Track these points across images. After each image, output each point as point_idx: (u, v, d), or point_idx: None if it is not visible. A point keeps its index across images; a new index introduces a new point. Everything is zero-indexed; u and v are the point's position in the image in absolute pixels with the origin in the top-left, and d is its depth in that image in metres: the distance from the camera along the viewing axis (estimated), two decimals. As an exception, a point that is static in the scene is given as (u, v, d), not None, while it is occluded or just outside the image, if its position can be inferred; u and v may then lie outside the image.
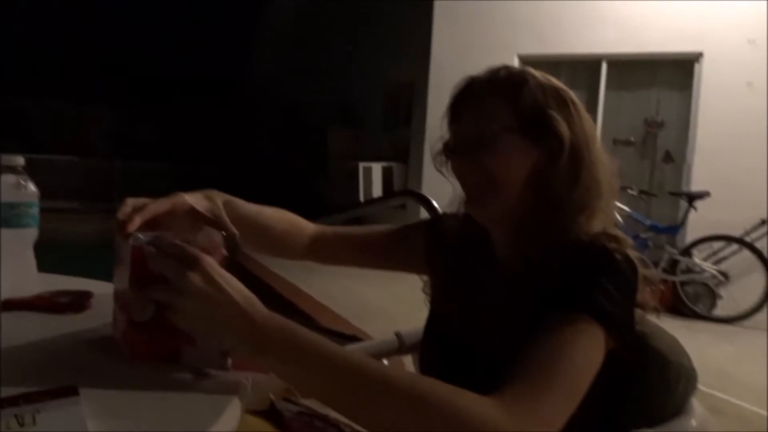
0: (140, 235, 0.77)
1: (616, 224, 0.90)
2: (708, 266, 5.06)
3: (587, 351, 0.73)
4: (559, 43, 6.46)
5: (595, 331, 0.74)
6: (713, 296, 4.99)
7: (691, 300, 5.00)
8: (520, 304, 0.82)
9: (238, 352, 0.71)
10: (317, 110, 10.82)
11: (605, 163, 0.90)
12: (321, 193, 9.41)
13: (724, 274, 5.00)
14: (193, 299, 0.67)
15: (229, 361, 0.74)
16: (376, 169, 6.78)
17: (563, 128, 0.86)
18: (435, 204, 2.69)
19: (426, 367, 1.07)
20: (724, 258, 5.09)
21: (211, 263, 0.69)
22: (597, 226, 0.85)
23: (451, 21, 6.78)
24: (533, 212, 0.86)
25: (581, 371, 0.72)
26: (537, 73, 0.90)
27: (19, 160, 0.98)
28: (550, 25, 6.50)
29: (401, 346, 1.33)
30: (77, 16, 16.79)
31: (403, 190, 4.60)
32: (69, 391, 0.63)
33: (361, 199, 6.63)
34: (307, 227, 1.16)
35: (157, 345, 0.76)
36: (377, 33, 8.65)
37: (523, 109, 0.86)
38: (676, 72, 6.32)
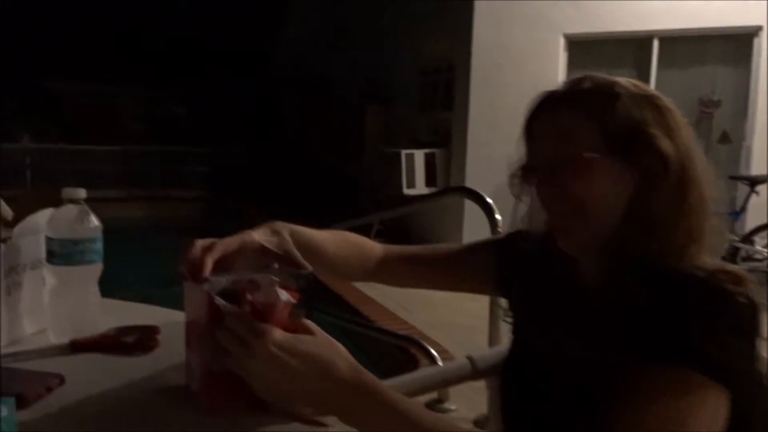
0: (214, 279, 0.72)
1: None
2: (770, 253, 4.83)
3: (707, 421, 0.64)
4: (608, 20, 6.17)
5: (715, 393, 0.65)
6: (776, 285, 4.76)
7: (753, 289, 4.78)
8: (617, 343, 0.73)
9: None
10: (348, 88, 10.61)
11: (710, 176, 0.79)
12: (355, 176, 9.27)
13: (788, 262, 4.77)
14: (259, 380, 0.65)
15: None
16: (419, 156, 6.64)
17: (665, 145, 0.76)
18: (489, 200, 2.60)
19: (507, 394, 1.00)
20: (788, 245, 4.85)
21: (274, 339, 0.64)
22: (709, 256, 0.76)
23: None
24: (634, 243, 0.76)
25: None
26: (625, 82, 0.80)
27: (81, 193, 0.92)
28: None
29: (474, 371, 1.26)
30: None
31: (455, 187, 4.50)
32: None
33: (404, 186, 6.52)
34: (372, 249, 1.10)
35: (238, 395, 0.71)
36: (411, 6, 8.31)
37: (616, 128, 0.76)
38: (732, 47, 5.99)
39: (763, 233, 4.91)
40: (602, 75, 0.82)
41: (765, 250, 4.89)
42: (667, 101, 0.80)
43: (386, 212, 3.12)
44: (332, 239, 1.04)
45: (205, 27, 17.40)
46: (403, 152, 6.61)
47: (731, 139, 5.95)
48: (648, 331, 0.69)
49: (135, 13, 17.47)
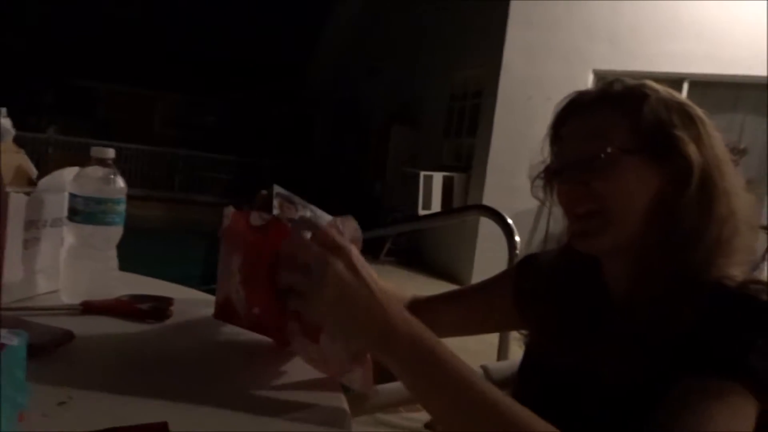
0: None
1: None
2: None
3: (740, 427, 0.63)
4: (639, 58, 6.16)
5: (746, 402, 0.63)
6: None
7: None
8: (645, 346, 0.72)
9: (364, 348, 0.69)
10: (377, 110, 10.70)
11: (742, 192, 0.77)
12: (376, 195, 9.28)
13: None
14: (333, 286, 0.63)
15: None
16: (437, 178, 6.63)
17: (691, 150, 0.74)
18: (509, 220, 2.56)
19: (524, 403, 0.96)
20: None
21: (357, 254, 0.66)
22: (738, 270, 0.73)
23: (524, 26, 6.42)
24: (659, 248, 0.74)
25: None
26: (658, 87, 0.80)
27: (110, 153, 0.91)
28: (630, 37, 6.20)
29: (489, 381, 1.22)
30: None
31: (473, 205, 4.45)
32: (160, 428, 0.55)
33: (420, 207, 6.51)
34: (402, 298, 1.07)
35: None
36: (447, 33, 8.37)
37: (644, 128, 0.76)
38: (764, 95, 5.93)
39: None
40: (634, 80, 0.82)
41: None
42: (699, 111, 0.79)
43: (402, 226, 3.08)
44: None
45: (243, 44, 17.76)
46: (422, 173, 6.61)
47: (755, 188, 5.87)
48: (674, 336, 0.69)
49: (177, 26, 17.95)
